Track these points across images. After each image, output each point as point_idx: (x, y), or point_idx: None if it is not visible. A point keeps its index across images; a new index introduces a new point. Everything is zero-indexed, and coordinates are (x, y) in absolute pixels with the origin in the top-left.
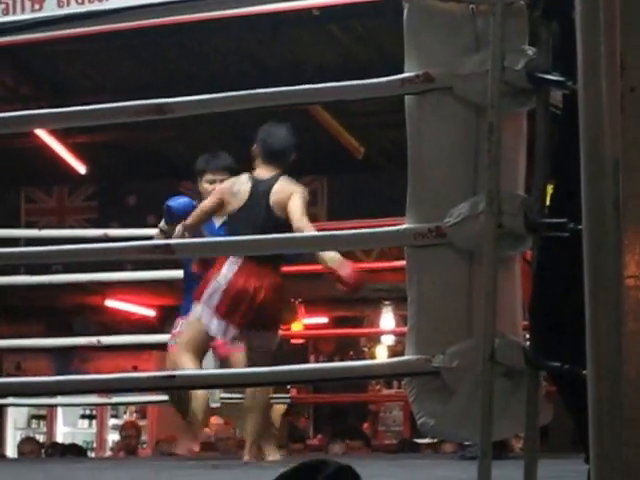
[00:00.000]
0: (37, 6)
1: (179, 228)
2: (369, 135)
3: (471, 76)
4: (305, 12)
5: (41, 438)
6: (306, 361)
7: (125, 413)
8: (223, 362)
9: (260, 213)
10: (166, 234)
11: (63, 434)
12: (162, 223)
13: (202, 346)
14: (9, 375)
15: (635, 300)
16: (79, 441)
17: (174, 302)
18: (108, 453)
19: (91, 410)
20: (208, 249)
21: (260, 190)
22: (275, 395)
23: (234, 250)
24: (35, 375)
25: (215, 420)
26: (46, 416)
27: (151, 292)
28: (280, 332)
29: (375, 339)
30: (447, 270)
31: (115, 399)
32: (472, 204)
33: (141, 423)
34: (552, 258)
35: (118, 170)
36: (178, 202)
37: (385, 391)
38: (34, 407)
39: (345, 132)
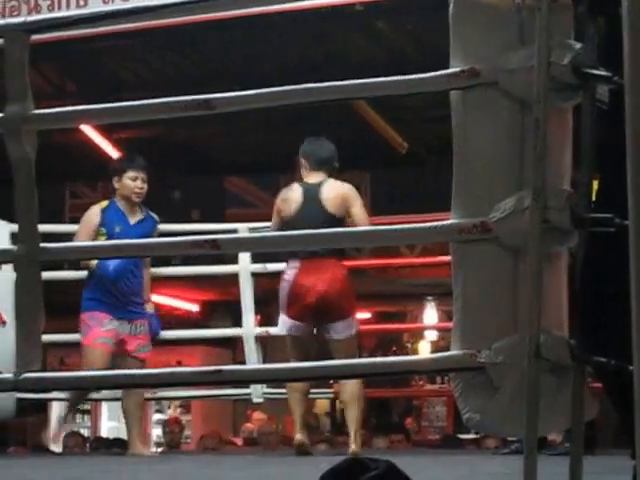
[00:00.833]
0: (82, 2)
1: None
2: (413, 130)
3: (517, 71)
4: (349, 7)
5: (85, 432)
6: None
7: (169, 408)
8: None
9: (315, 213)
10: None
11: (108, 429)
12: None
13: (306, 346)
14: (53, 370)
15: None
16: (123, 436)
17: (218, 297)
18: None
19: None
20: (253, 244)
21: (312, 194)
22: (318, 390)
23: (279, 245)
24: (78, 370)
25: (258, 415)
26: (91, 411)
27: (195, 287)
28: (356, 319)
29: (418, 334)
30: (492, 265)
31: (159, 394)
32: (518, 199)
33: (185, 418)
34: (598, 253)
35: (162, 165)
36: None
37: (428, 386)
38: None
39: (389, 127)
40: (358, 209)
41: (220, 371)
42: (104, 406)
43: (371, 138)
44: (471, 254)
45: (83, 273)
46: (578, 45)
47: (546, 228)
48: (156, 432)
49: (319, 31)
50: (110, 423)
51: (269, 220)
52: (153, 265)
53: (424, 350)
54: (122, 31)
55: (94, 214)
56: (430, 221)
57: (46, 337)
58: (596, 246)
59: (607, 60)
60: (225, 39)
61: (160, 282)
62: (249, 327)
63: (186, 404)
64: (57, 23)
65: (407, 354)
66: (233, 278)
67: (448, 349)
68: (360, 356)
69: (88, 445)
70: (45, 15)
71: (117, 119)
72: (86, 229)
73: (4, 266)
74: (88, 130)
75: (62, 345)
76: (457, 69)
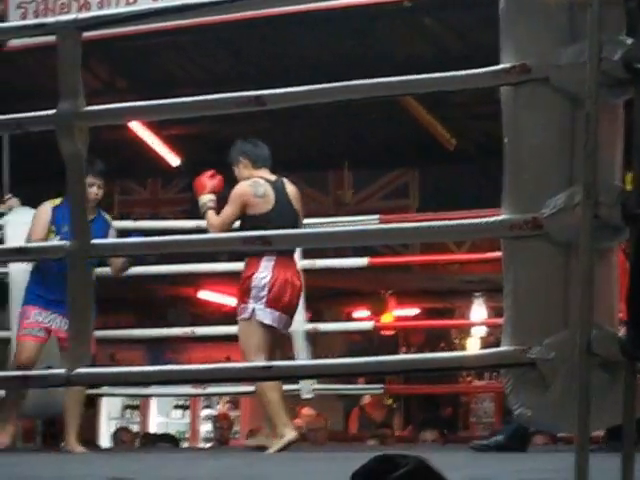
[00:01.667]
0: (131, 0)
1: None
2: (461, 127)
3: (568, 67)
4: (396, 4)
5: (134, 428)
6: (396, 353)
7: (218, 404)
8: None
9: (288, 211)
10: None
11: (157, 424)
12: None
13: (269, 341)
14: (103, 366)
15: None
16: (172, 431)
17: None
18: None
19: (185, 400)
20: (305, 240)
21: (280, 191)
22: (368, 386)
23: (331, 241)
24: (128, 365)
25: (307, 411)
26: (140, 406)
27: None
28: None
29: (466, 331)
30: (543, 261)
31: (209, 390)
32: (569, 195)
33: (234, 414)
34: None
35: (211, 162)
36: None
37: (476, 382)
38: (128, 397)
39: (437, 124)
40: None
41: (271, 367)
42: (153, 402)
43: (419, 135)
44: (522, 250)
45: (134, 269)
46: (629, 40)
47: (597, 224)
48: (205, 428)
49: (366, 28)
50: (159, 418)
51: (316, 216)
52: (200, 261)
53: (472, 346)
54: (172, 28)
55: (45, 211)
56: (479, 217)
57: (96, 333)
58: None
59: None
60: (273, 36)
61: (208, 278)
62: (299, 323)
63: (235, 400)
64: (108, 20)
65: (455, 350)
66: None
67: (496, 345)
68: (408, 352)
69: (137, 441)
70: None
71: (169, 115)
72: (40, 226)
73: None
74: (137, 127)
75: (112, 341)
76: (508, 65)
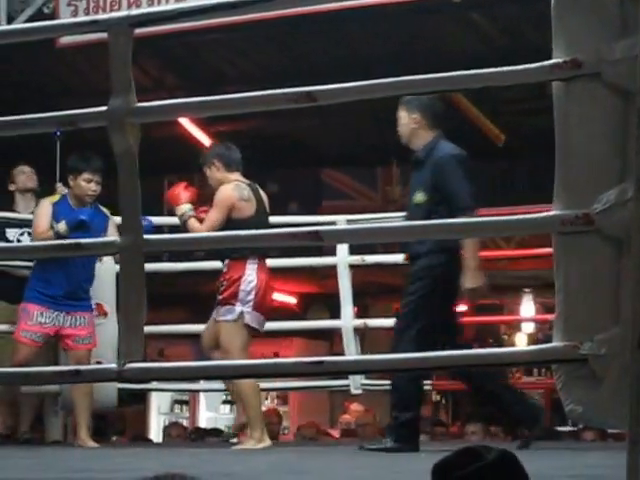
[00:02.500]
0: None
1: None
2: (510, 122)
3: (620, 61)
4: (445, 0)
5: (184, 423)
6: None
7: (266, 399)
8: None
9: (264, 213)
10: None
11: (206, 419)
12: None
13: (248, 343)
14: (152, 361)
15: None
16: (221, 426)
17: (315, 289)
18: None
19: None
20: (355, 236)
21: (258, 194)
22: None
23: (383, 237)
24: (178, 361)
25: (356, 407)
26: (189, 401)
27: (292, 279)
28: None
29: (514, 327)
30: (595, 257)
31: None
32: (620, 191)
33: (283, 409)
34: None
35: (260, 158)
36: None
37: (525, 379)
38: (177, 392)
39: (486, 120)
40: None
41: (322, 362)
42: (202, 397)
43: (468, 131)
44: (573, 246)
45: (183, 265)
46: None
47: None
48: None
49: (416, 24)
50: (208, 413)
51: (365, 212)
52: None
53: (521, 342)
54: (222, 25)
55: (45, 206)
56: (529, 213)
57: (146, 328)
58: None
59: None
60: (323, 32)
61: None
62: (348, 319)
63: (283, 395)
64: (160, 17)
65: (503, 347)
66: (330, 270)
67: (544, 342)
68: None
69: (187, 435)
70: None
71: (220, 112)
72: (44, 221)
73: (104, 257)
74: (186, 123)
75: (162, 337)
76: (559, 60)
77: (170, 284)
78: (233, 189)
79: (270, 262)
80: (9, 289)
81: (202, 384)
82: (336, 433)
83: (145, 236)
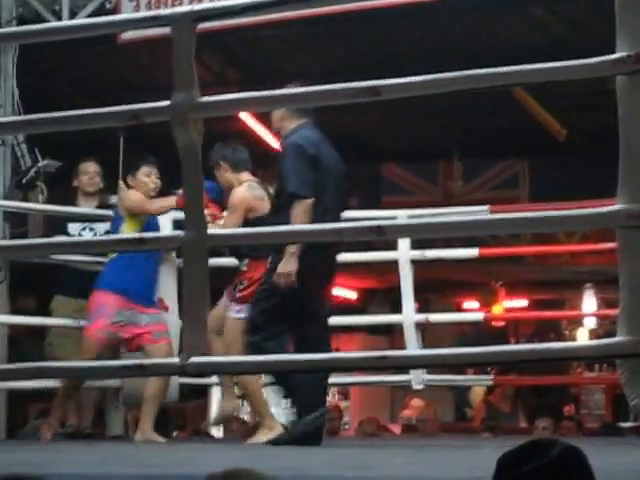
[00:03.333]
0: None
1: None
2: (571, 117)
3: None
4: None
5: (245, 417)
6: (506, 343)
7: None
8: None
9: (281, 212)
10: None
11: None
12: None
13: None
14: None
15: None
16: (283, 421)
17: (375, 284)
18: None
19: None
20: (419, 230)
21: (268, 194)
22: (477, 377)
23: (445, 232)
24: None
25: (416, 402)
26: None
27: (352, 274)
28: None
29: (576, 322)
30: None
31: None
32: None
33: (344, 404)
34: None
35: None
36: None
37: (587, 374)
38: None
39: (547, 114)
40: None
41: (385, 357)
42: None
43: (529, 126)
44: (638, 241)
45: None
46: None
47: None
48: None
49: (477, 19)
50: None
51: (425, 207)
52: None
53: (582, 338)
54: (283, 20)
55: None
56: (591, 207)
57: None
58: None
59: None
60: (384, 27)
61: None
62: (409, 314)
63: (344, 390)
64: (223, 12)
65: (565, 342)
66: (390, 265)
67: (605, 337)
68: (517, 343)
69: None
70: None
71: (283, 106)
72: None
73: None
74: (247, 118)
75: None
76: (623, 54)
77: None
78: (246, 190)
79: None
80: (69, 284)
81: (265, 378)
82: (397, 428)
83: (209, 231)
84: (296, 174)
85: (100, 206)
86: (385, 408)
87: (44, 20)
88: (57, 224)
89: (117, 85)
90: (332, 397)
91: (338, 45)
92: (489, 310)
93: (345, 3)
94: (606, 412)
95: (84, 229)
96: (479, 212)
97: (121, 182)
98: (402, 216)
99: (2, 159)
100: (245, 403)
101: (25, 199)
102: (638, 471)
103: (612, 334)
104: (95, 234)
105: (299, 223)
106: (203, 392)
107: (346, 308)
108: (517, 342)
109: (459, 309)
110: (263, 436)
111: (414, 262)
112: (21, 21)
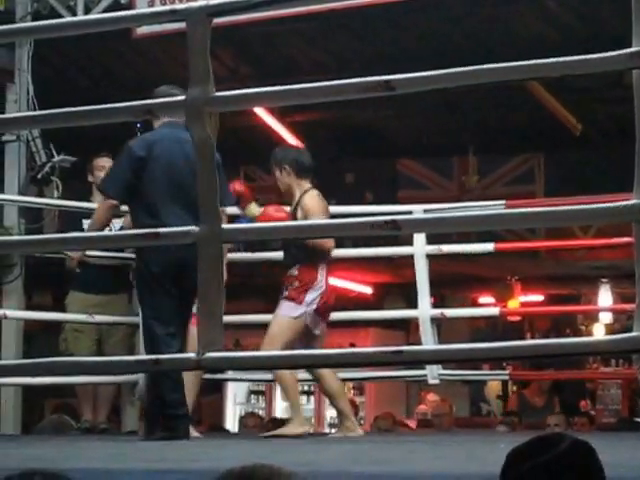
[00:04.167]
0: None
1: None
2: (586, 111)
3: None
4: None
5: (260, 413)
6: (521, 339)
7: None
8: None
9: None
10: None
11: (282, 409)
12: None
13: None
14: (229, 351)
15: None
16: None
17: (391, 280)
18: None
19: (309, 386)
20: (434, 225)
21: None
22: (493, 372)
23: (461, 226)
24: (254, 351)
25: (432, 397)
26: (265, 392)
27: (368, 269)
28: None
29: (592, 317)
30: None
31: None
32: None
33: (359, 400)
34: None
35: (335, 148)
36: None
37: (603, 369)
38: (254, 382)
39: (562, 109)
40: None
41: (401, 352)
42: (278, 387)
43: (544, 120)
44: None
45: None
46: None
47: None
48: (330, 413)
49: (489, 12)
50: (284, 404)
51: (441, 202)
52: None
53: (598, 333)
54: (296, 14)
55: None
56: (606, 202)
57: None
58: None
59: None
60: (399, 20)
61: (333, 264)
62: (425, 309)
63: (360, 386)
64: (239, 6)
65: (581, 337)
66: (406, 260)
67: (622, 332)
68: (533, 338)
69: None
70: None
71: (297, 101)
72: None
73: None
74: (262, 113)
75: (238, 327)
76: (639, 48)
77: (246, 274)
78: (318, 197)
79: (346, 252)
80: (84, 279)
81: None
82: (412, 424)
83: (223, 225)
84: (112, 173)
85: None
86: (400, 403)
87: (59, 15)
88: (72, 220)
89: (132, 80)
90: (347, 392)
91: (352, 39)
92: (505, 305)
93: None
94: (622, 407)
95: None
96: (495, 207)
97: None
98: (418, 210)
99: (17, 154)
100: (256, 399)
101: (40, 194)
102: None
103: (628, 329)
104: (110, 229)
105: (98, 219)
106: (219, 387)
107: (362, 303)
108: (533, 337)
109: (475, 304)
110: (291, 430)
111: (430, 257)
112: (36, 16)
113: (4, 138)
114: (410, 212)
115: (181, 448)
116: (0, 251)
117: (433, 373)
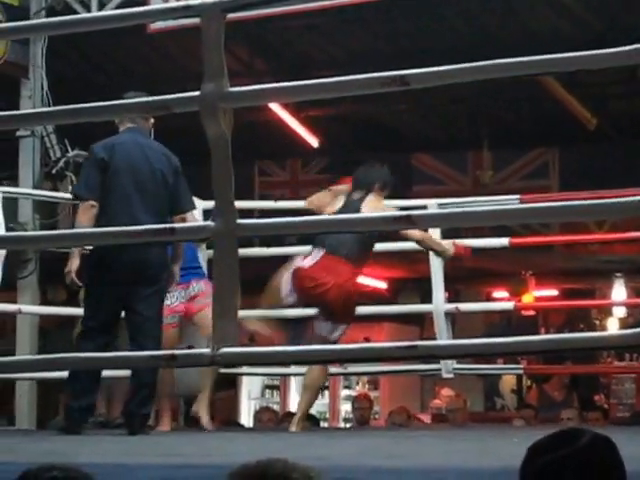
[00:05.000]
0: None
1: None
2: (600, 106)
3: None
4: None
5: (274, 408)
6: (535, 333)
7: (357, 384)
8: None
9: None
10: None
11: (296, 404)
12: None
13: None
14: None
15: None
16: (312, 411)
17: (406, 274)
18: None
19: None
20: (449, 220)
21: None
22: (507, 366)
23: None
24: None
25: (446, 392)
26: (279, 386)
27: (383, 264)
28: (345, 327)
29: (606, 311)
30: None
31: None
32: None
33: (373, 394)
34: None
35: (350, 143)
36: None
37: (617, 363)
38: (268, 377)
39: (577, 103)
40: None
41: (416, 346)
42: (292, 382)
43: (559, 115)
44: None
45: (273, 250)
46: None
47: None
48: (345, 408)
49: (505, 6)
50: (299, 398)
51: (455, 196)
52: None
53: (612, 327)
54: (311, 9)
55: None
56: (622, 196)
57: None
58: None
59: None
60: (414, 15)
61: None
62: (439, 303)
63: (374, 380)
64: (252, 2)
65: (595, 331)
66: (421, 255)
67: (637, 326)
68: (547, 333)
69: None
70: None
71: (312, 96)
72: None
73: None
74: (276, 108)
75: None
76: None
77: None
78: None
79: None
80: None
81: (293, 368)
82: (427, 418)
83: (238, 220)
84: (82, 177)
85: None
86: (415, 398)
87: (73, 11)
88: None
89: (146, 75)
90: (362, 387)
91: (367, 34)
92: (519, 300)
93: None
94: (636, 401)
95: None
96: (510, 201)
97: None
98: (432, 205)
99: (32, 150)
100: (271, 394)
101: (55, 189)
102: None
103: None
104: None
105: (79, 222)
106: (233, 382)
107: (376, 298)
108: (547, 332)
109: (489, 299)
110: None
111: None
112: (50, 12)
113: (18, 134)
114: (425, 207)
115: (195, 442)
116: (15, 246)
117: (447, 367)
